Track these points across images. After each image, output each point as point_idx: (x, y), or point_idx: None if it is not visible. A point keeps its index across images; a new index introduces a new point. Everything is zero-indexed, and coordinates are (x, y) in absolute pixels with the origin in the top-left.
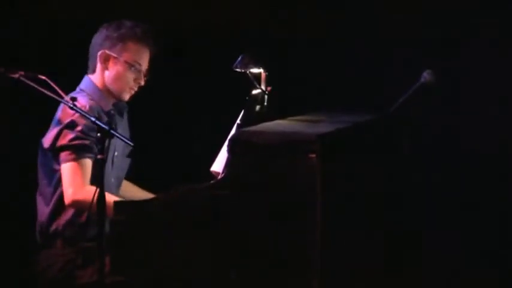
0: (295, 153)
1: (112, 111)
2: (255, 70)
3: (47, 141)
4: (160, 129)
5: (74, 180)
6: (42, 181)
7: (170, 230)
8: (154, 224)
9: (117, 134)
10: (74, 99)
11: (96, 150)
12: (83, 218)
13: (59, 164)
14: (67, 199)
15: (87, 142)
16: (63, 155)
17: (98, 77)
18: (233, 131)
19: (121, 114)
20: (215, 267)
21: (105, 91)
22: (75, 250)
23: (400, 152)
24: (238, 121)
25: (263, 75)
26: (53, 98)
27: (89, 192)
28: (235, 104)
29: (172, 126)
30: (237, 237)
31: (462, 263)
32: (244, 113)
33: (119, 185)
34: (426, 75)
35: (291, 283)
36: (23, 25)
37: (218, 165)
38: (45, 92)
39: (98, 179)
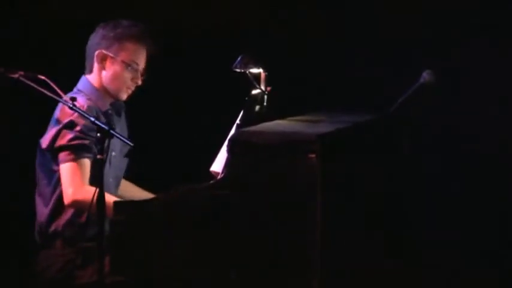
0: (295, 153)
1: (110, 111)
2: (254, 70)
3: (45, 141)
4: (160, 129)
5: (74, 181)
6: (41, 182)
7: (170, 230)
8: (154, 224)
9: (117, 134)
10: (73, 99)
11: (95, 150)
12: (83, 218)
13: (57, 164)
14: (67, 199)
15: (86, 142)
16: (62, 155)
17: (95, 77)
18: (233, 131)
19: (119, 114)
20: (215, 267)
21: (102, 91)
22: (74, 250)
23: (400, 152)
24: (237, 121)
25: (263, 75)
26: (53, 98)
27: (89, 192)
28: (234, 104)
29: (172, 126)
30: (237, 237)
31: (462, 263)
32: (243, 113)
33: (117, 185)
34: (426, 75)
35: (291, 283)
36: (23, 25)
37: (218, 165)
38: (45, 92)
39: (97, 179)
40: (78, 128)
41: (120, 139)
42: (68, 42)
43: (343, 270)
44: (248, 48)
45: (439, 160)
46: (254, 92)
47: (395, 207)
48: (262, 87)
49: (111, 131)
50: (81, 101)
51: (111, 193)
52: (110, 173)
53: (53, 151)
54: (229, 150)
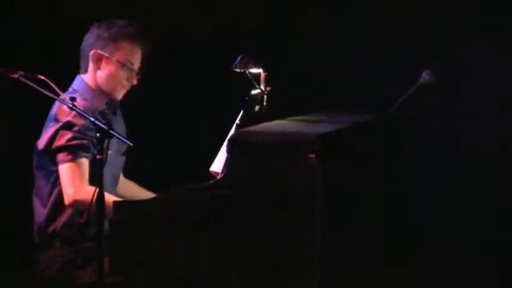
0: (295, 153)
1: (106, 111)
2: (254, 70)
3: (42, 142)
4: (160, 129)
5: (74, 181)
6: (38, 183)
7: (170, 230)
8: (154, 224)
9: (116, 134)
10: (73, 99)
11: (93, 149)
12: (82, 218)
13: (55, 165)
14: (67, 199)
15: (84, 142)
16: (61, 155)
17: (90, 77)
18: (232, 131)
19: (114, 113)
20: (215, 267)
21: (97, 91)
22: (74, 250)
23: (400, 152)
24: (237, 121)
25: (262, 75)
26: (53, 98)
27: (89, 192)
28: (234, 104)
29: (172, 126)
30: (237, 237)
31: (462, 263)
32: (243, 113)
33: (114, 183)
34: (426, 75)
35: (291, 283)
36: (23, 25)
37: (217, 165)
38: (45, 92)
39: (97, 179)
40: (76, 128)
41: (120, 139)
42: (68, 42)
43: (343, 270)
44: (248, 48)
45: (439, 160)
46: (254, 92)
47: (395, 207)
48: (262, 87)
49: (111, 131)
50: (78, 102)
51: (108, 191)
52: (107, 171)
53: (51, 152)
54: (229, 150)
